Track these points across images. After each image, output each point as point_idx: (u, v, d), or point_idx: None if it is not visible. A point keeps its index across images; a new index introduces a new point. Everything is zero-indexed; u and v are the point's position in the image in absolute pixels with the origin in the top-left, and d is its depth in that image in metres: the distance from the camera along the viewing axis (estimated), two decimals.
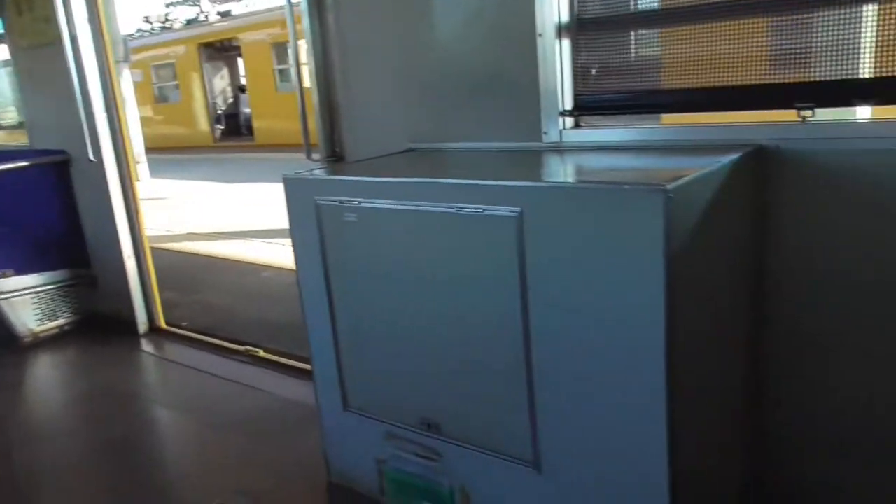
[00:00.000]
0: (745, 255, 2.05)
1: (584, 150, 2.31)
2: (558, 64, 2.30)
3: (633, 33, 2.29)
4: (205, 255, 7.21)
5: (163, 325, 4.58)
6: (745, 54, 2.03)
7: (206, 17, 23.85)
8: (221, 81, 22.95)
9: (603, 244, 1.67)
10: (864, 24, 1.85)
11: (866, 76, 1.88)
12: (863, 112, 2.00)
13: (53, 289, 4.59)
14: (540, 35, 2.28)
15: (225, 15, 22.90)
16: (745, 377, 2.13)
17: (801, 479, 2.16)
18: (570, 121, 2.36)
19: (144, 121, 17.30)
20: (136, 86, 16.88)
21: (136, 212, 4.39)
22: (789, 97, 1.97)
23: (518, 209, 1.78)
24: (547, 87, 2.32)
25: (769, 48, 2.03)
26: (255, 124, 20.19)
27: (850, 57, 1.88)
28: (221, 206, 10.72)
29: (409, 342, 2.14)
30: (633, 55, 2.29)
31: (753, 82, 2.04)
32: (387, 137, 2.77)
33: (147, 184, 13.31)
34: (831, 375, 2.04)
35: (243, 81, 21.84)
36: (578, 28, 2.29)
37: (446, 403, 2.11)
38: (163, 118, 22.41)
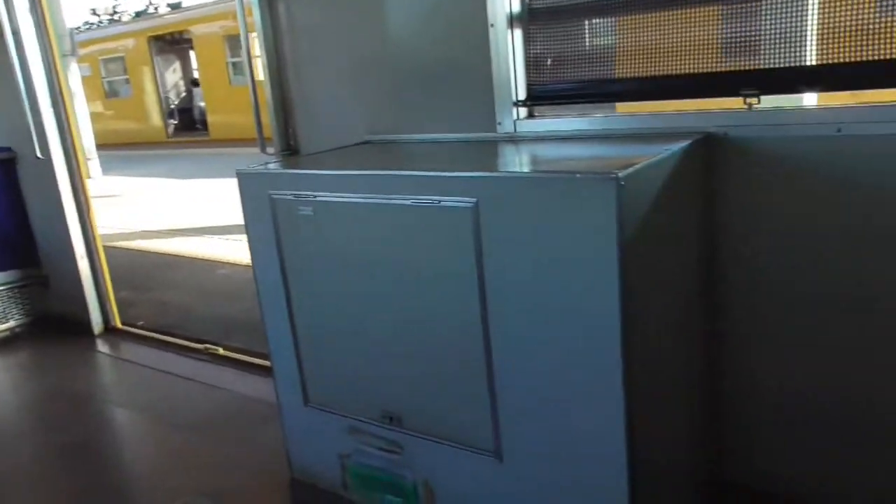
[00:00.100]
0: (696, 241, 2.09)
1: (538, 140, 2.32)
2: (511, 54, 2.30)
3: (584, 23, 2.31)
4: (161, 253, 7.10)
5: (118, 324, 4.50)
6: (694, 43, 2.06)
7: (156, 9, 23.30)
8: (174, 75, 22.53)
9: (558, 233, 1.69)
10: (809, 12, 1.89)
11: (811, 63, 1.92)
12: (809, 99, 2.05)
13: (2, 290, 4.49)
14: (492, 25, 2.29)
15: (175, 7, 22.39)
16: (702, 364, 2.18)
17: (757, 462, 2.21)
18: (524, 111, 2.37)
19: (94, 116, 16.90)
20: (85, 80, 16.49)
21: (88, 210, 4.29)
22: (735, 85, 2.00)
23: (473, 200, 1.78)
24: (500, 78, 2.33)
25: (718, 36, 2.06)
26: (210, 119, 19.87)
27: (796, 44, 1.91)
28: (177, 202, 10.55)
29: (369, 336, 2.14)
30: (584, 45, 2.31)
31: (702, 70, 2.07)
32: (342, 130, 2.75)
33: (99, 181, 13.05)
34: (782, 361, 2.09)
35: (196, 75, 21.46)
36: (530, 18, 2.30)
37: (407, 396, 2.12)
38: (114, 113, 21.94)
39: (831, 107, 1.93)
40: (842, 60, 1.86)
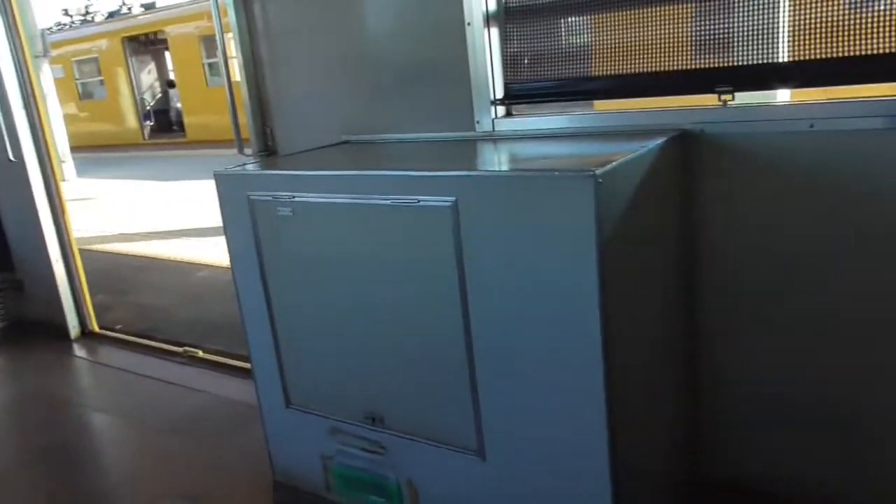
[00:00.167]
0: (674, 238, 2.10)
1: (516, 139, 2.33)
2: (488, 53, 2.31)
3: (560, 21, 2.32)
4: (138, 256, 7.03)
5: (96, 328, 4.45)
6: (670, 40, 2.08)
7: (129, 9, 23.02)
8: (149, 76, 22.29)
9: (537, 231, 1.69)
10: (781, 9, 1.91)
11: (784, 60, 1.94)
12: (782, 95, 2.07)
13: None
14: (469, 24, 2.29)
15: (149, 7, 22.15)
16: (681, 361, 2.20)
17: (735, 460, 2.23)
18: (501, 109, 2.37)
19: (69, 119, 16.70)
20: (58, 82, 16.26)
21: (63, 213, 4.24)
22: (710, 82, 2.02)
23: (452, 199, 1.78)
24: (478, 77, 2.33)
25: (692, 34, 2.08)
26: (187, 120, 19.69)
27: (768, 41, 1.94)
28: (154, 204, 10.44)
29: (350, 336, 2.13)
30: (561, 43, 2.32)
31: (677, 68, 2.09)
32: (320, 130, 2.74)
33: (74, 184, 12.88)
34: (759, 358, 2.11)
35: (172, 76, 21.26)
36: (506, 16, 2.31)
37: (390, 396, 2.11)
38: (88, 115, 21.67)
39: (804, 103, 1.95)
40: (814, 57, 1.88)
